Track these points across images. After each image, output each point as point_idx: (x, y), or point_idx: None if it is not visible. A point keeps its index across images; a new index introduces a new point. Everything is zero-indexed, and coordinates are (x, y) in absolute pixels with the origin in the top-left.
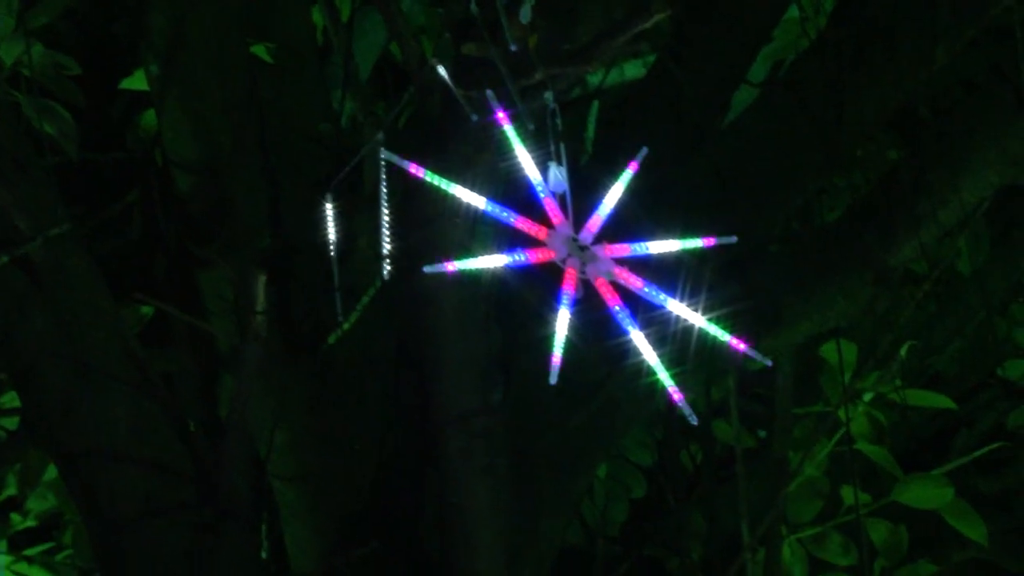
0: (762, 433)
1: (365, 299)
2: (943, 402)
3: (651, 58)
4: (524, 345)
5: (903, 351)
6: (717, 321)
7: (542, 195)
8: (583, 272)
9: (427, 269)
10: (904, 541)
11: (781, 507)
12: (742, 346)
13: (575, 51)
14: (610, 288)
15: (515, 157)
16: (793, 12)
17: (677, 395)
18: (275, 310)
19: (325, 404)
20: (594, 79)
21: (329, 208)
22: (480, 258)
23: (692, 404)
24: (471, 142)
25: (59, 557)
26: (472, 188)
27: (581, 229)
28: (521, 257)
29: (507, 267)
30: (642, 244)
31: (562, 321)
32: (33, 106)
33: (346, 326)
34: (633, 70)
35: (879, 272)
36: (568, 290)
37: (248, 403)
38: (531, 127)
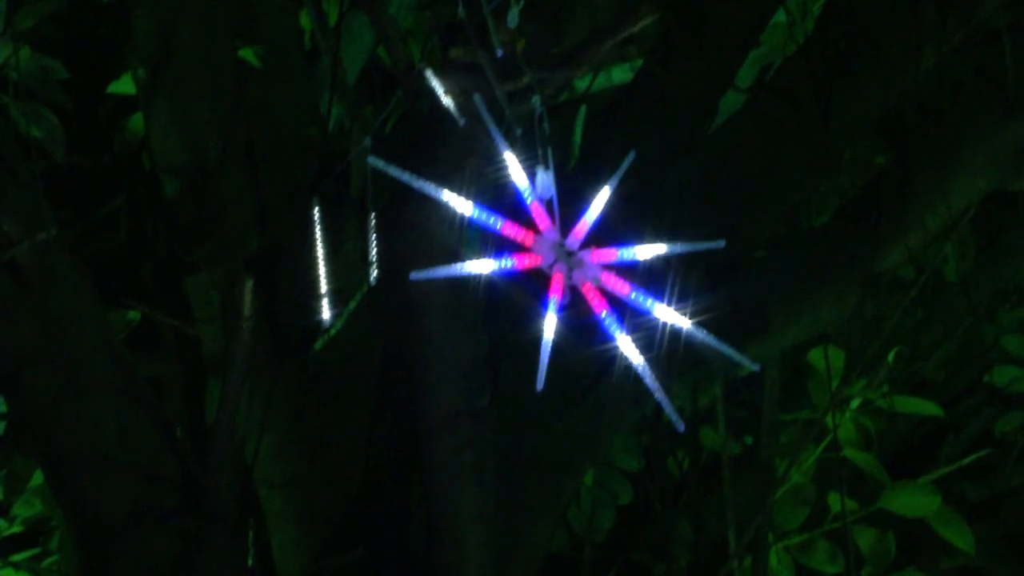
0: (749, 439)
1: (352, 304)
2: (930, 408)
3: (638, 62)
4: (511, 350)
5: (890, 357)
6: (704, 326)
7: (529, 200)
8: (570, 277)
9: (414, 276)
10: (891, 549)
11: (768, 514)
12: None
13: (562, 55)
14: (597, 293)
15: (502, 162)
16: (780, 16)
17: (664, 401)
18: (262, 315)
19: (312, 409)
20: (581, 84)
21: (316, 213)
22: (467, 263)
23: (679, 410)
24: (458, 147)
25: (45, 563)
26: (459, 193)
27: (568, 234)
28: (508, 262)
29: (494, 273)
30: (629, 249)
31: (549, 327)
32: (20, 109)
33: (333, 331)
34: (620, 74)
35: (866, 277)
36: (555, 295)
37: (235, 409)
38: (518, 132)
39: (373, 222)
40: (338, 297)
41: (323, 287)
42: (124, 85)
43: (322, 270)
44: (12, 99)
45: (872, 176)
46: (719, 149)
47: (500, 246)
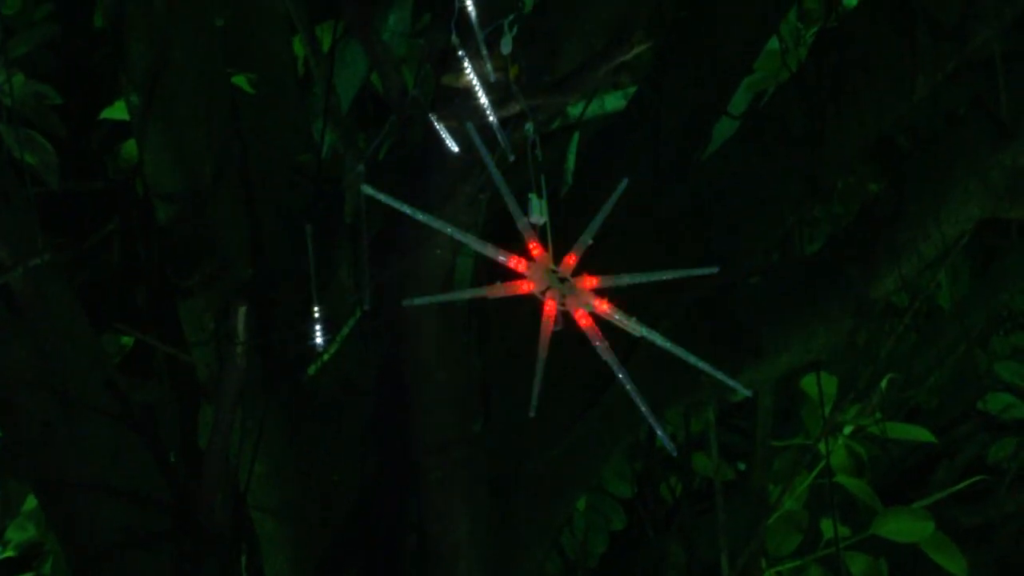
0: (741, 465)
1: (345, 329)
2: (923, 435)
3: (632, 89)
4: (503, 376)
5: (883, 384)
6: (697, 352)
7: (522, 227)
8: (563, 304)
9: (406, 302)
10: (884, 574)
11: (761, 540)
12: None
13: (556, 82)
14: (590, 320)
15: (495, 189)
16: (774, 44)
17: (657, 427)
18: (255, 340)
19: (305, 434)
20: (574, 110)
21: (310, 238)
22: (459, 290)
23: (672, 436)
24: (451, 174)
25: None
26: (452, 220)
27: (561, 261)
28: (501, 289)
29: (487, 299)
30: (622, 275)
31: (541, 353)
32: (14, 136)
33: (326, 356)
34: (614, 101)
35: (860, 304)
36: (547, 322)
37: (228, 433)
38: (511, 158)
39: (366, 248)
40: (331, 322)
41: (316, 312)
42: (117, 111)
43: (315, 295)
44: (6, 125)
45: (865, 203)
46: (712, 175)
47: (493, 273)
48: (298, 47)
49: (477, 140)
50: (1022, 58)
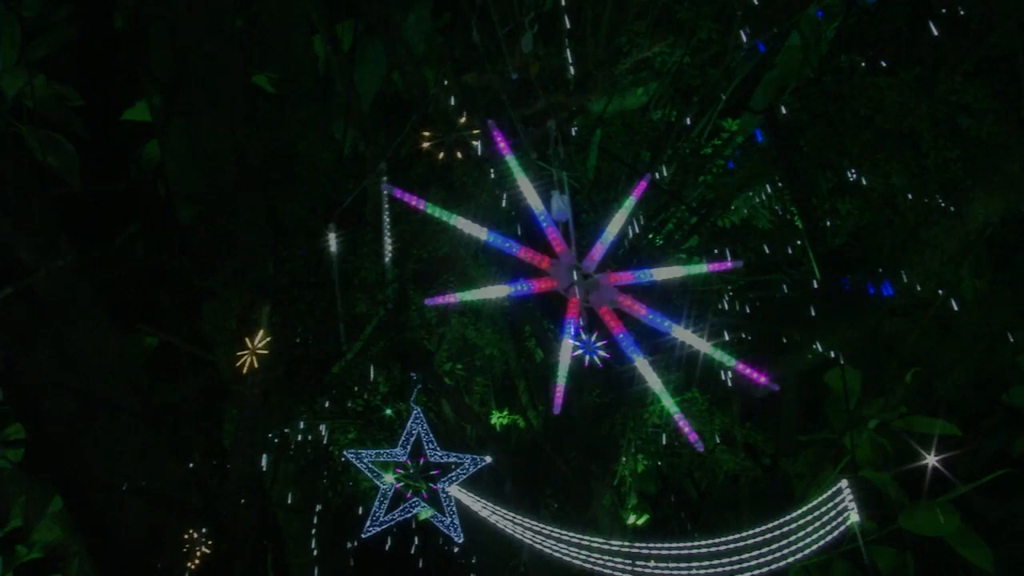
0: (767, 460)
1: (368, 328)
2: (948, 429)
3: (652, 86)
4: (529, 373)
5: (908, 377)
6: (722, 348)
7: (545, 224)
8: (587, 300)
9: (428, 302)
10: (910, 568)
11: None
12: (755, 375)
13: (577, 80)
14: (614, 316)
15: (517, 186)
16: (795, 39)
17: (682, 422)
18: (278, 339)
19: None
20: (596, 107)
21: (332, 238)
22: (483, 288)
23: (697, 431)
24: (473, 171)
25: None
26: (475, 218)
27: (584, 257)
28: (524, 287)
29: (510, 297)
30: (646, 271)
31: (566, 350)
32: (36, 137)
33: (350, 355)
34: (634, 99)
35: (883, 299)
36: (572, 318)
37: (252, 433)
38: (533, 156)
39: (389, 247)
40: (354, 320)
41: (339, 311)
42: (139, 113)
43: (338, 294)
44: (28, 127)
45: (888, 198)
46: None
47: (516, 270)
48: (318, 46)
49: (499, 138)
50: None
